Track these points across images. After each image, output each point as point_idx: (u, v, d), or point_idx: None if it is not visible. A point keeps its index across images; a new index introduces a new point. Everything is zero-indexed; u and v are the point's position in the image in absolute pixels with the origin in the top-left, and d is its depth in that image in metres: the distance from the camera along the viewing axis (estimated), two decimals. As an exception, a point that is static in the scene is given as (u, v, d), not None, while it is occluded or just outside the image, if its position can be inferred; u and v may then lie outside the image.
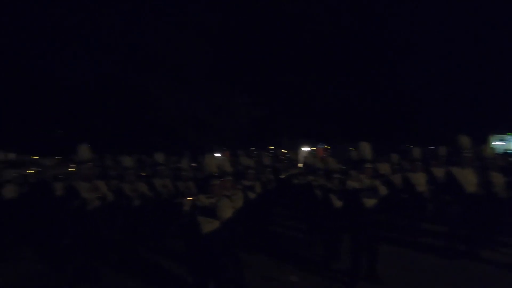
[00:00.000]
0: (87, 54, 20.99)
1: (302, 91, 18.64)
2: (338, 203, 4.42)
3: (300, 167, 8.37)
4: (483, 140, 7.00)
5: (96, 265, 4.12)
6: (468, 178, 4.41)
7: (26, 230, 5.22)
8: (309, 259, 4.92)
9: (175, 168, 6.47)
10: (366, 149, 3.95)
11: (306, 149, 14.95)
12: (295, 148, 16.57)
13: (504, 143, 13.99)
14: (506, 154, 8.74)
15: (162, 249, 5.28)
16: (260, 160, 7.08)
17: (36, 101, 19.60)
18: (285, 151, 10.75)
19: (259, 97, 17.20)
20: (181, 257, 4.90)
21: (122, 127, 18.27)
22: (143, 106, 16.66)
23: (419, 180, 5.67)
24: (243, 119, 17.08)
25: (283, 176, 7.37)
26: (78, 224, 3.89)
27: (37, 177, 5.54)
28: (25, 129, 19.02)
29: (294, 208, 7.32)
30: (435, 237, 5.36)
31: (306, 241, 5.54)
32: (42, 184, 5.30)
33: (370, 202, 3.80)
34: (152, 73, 16.11)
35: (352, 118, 19.31)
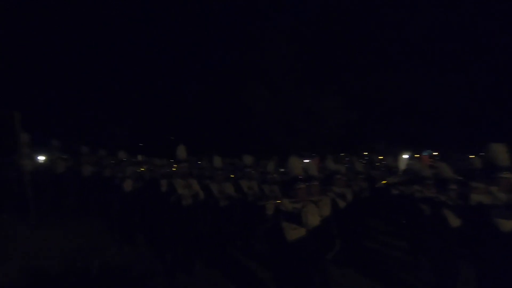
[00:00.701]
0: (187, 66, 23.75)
1: (401, 92, 16.63)
2: (455, 222, 3.53)
3: (400, 176, 7.27)
4: None
5: (190, 257, 4.44)
6: None
7: (140, 219, 6.11)
8: (410, 284, 4.13)
9: (262, 171, 6.53)
10: (500, 153, 3.00)
11: (407, 156, 13.06)
12: (394, 155, 14.66)
13: None
14: None
15: (249, 250, 5.35)
16: (351, 166, 6.46)
17: (154, 113, 23.42)
18: (382, 157, 9.58)
19: (351, 100, 16.14)
20: (265, 261, 4.86)
21: (220, 132, 19.92)
22: (238, 113, 17.73)
23: None
24: (334, 123, 16.30)
25: (380, 185, 6.50)
26: (175, 217, 4.27)
27: (150, 175, 6.45)
28: (148, 137, 22.81)
29: (393, 223, 6.37)
30: None
31: (408, 263, 4.70)
32: (153, 181, 6.12)
33: (506, 224, 2.86)
34: (244, 81, 17.01)
35: (463, 121, 16.03)
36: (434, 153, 14.95)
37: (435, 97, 16.61)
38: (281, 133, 16.73)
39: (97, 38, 20.73)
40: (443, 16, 16.91)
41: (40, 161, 6.79)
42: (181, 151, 4.35)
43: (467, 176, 5.28)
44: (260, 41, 17.02)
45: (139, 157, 7.57)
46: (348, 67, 17.39)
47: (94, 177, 7.06)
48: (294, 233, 2.79)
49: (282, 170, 7.43)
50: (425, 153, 13.98)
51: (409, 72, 16.72)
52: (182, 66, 23.92)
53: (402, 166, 11.32)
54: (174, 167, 5.37)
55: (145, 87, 23.03)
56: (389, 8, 17.22)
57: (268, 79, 16.73)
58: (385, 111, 17.50)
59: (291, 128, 16.70)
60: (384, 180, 6.47)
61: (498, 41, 16.69)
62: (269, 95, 16.51)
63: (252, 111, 16.69)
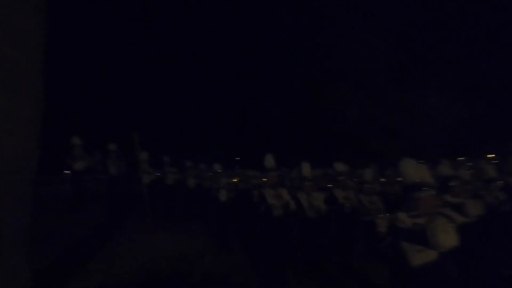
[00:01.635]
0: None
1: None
2: None
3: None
4: None
5: (283, 271, 4.24)
6: None
7: (236, 229, 6.31)
8: None
9: (358, 180, 5.90)
10: None
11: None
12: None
13: None
14: None
15: (346, 268, 4.80)
16: (479, 171, 5.13)
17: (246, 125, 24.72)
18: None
19: (464, 92, 13.39)
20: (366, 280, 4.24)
21: (310, 139, 19.45)
22: (328, 118, 17.01)
23: None
24: (441, 122, 13.81)
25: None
26: (267, 228, 4.18)
27: (242, 185, 6.67)
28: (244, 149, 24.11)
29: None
30: None
31: None
32: (245, 191, 6.29)
33: None
34: (334, 84, 16.29)
35: None
36: None
37: None
38: (378, 137, 15.15)
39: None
40: None
41: (154, 174, 7.89)
42: (269, 160, 4.28)
43: None
44: (351, 41, 16.11)
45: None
46: (457, 53, 14.59)
47: (196, 188, 7.79)
48: (420, 256, 2.21)
49: (383, 179, 6.58)
50: None
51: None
52: (272, 71, 24.35)
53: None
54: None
55: (238, 99, 24.47)
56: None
57: (360, 80, 15.56)
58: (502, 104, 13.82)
59: (389, 131, 14.95)
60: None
61: None
62: (362, 96, 15.30)
63: (343, 114, 15.75)
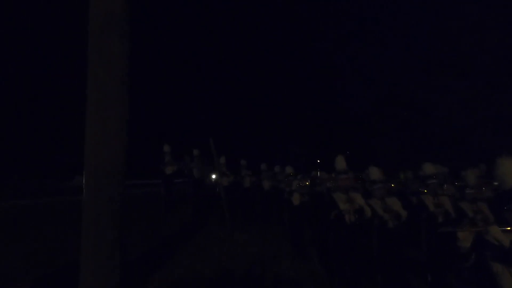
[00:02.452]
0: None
1: None
2: None
3: None
4: None
5: (359, 281, 3.86)
6: None
7: (311, 234, 6.08)
8: None
9: (459, 184, 4.93)
10: None
11: None
12: None
13: None
14: None
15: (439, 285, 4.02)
16: None
17: (324, 128, 24.06)
18: None
19: None
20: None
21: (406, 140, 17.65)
22: (427, 118, 15.07)
23: None
24: None
25: None
26: (340, 235, 3.86)
27: (315, 189, 6.40)
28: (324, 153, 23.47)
29: None
30: None
31: None
32: (318, 195, 6.01)
33: None
34: (438, 81, 14.34)
35: None
36: None
37: None
38: (483, 132, 12.53)
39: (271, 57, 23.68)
40: None
41: (231, 178, 8.32)
42: (340, 162, 3.95)
43: None
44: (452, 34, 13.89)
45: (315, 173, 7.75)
46: None
47: (271, 191, 7.86)
48: None
49: (496, 183, 5.34)
50: None
51: None
52: (358, 75, 23.15)
53: None
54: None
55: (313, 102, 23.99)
56: None
57: (462, 72, 13.21)
58: None
59: (497, 124, 12.18)
60: None
61: None
62: (469, 87, 12.93)
63: (445, 108, 13.60)
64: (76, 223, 3.12)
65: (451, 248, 1.95)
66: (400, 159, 14.28)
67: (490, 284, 1.79)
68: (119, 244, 2.76)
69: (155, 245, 5.77)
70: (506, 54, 12.35)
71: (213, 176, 7.64)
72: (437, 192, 4.21)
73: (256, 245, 6.05)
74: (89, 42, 2.85)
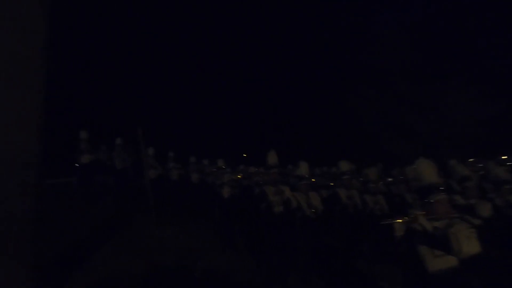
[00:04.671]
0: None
1: None
2: None
3: None
4: None
5: (286, 269, 4.20)
6: None
7: (240, 226, 6.29)
8: None
9: (364, 180, 5.79)
10: None
11: None
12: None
13: None
14: None
15: (351, 267, 4.72)
16: (488, 173, 4.94)
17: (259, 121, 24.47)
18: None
19: (487, 91, 12.90)
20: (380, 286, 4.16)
21: (324, 137, 19.24)
22: (343, 116, 16.77)
23: None
24: (460, 122, 13.41)
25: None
26: (268, 225, 4.14)
27: (245, 182, 6.63)
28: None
29: None
30: None
31: None
32: (248, 188, 6.25)
33: None
34: (353, 82, 16.06)
35: None
36: None
37: None
38: (393, 136, 14.84)
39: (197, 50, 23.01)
40: None
41: (159, 169, 7.94)
42: (272, 157, 4.22)
43: None
44: (369, 38, 15.85)
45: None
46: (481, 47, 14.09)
47: (200, 184, 7.79)
48: (438, 262, 2.12)
49: (390, 179, 6.44)
50: None
51: None
52: (278, 67, 24.06)
53: None
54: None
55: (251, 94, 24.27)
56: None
57: (374, 78, 15.25)
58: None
59: (405, 130, 14.64)
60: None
61: None
62: (379, 94, 14.97)
63: (358, 113, 15.50)
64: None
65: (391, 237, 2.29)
66: (318, 155, 15.81)
67: (418, 264, 2.17)
68: (31, 241, 2.41)
69: (73, 242, 5.16)
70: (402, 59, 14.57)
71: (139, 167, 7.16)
72: (349, 186, 4.90)
73: (185, 238, 5.97)
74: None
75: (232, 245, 5.71)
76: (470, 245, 2.01)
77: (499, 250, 3.85)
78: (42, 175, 2.61)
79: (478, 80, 13.00)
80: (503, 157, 12.72)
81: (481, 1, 14.61)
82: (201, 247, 5.65)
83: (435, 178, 2.31)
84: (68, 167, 7.93)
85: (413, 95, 14.22)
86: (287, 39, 23.02)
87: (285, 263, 4.14)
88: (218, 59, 23.88)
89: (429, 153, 13.67)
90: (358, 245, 4.86)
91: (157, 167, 7.93)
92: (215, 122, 22.94)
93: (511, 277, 3.94)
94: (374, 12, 17.61)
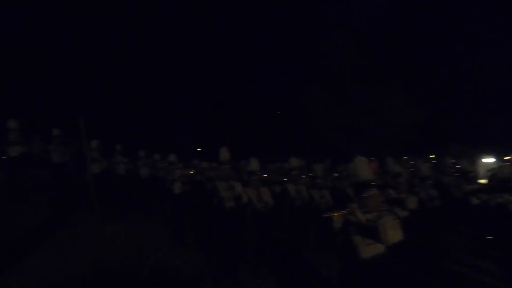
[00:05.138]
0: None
1: (481, 84, 14.38)
2: None
3: (481, 183, 6.12)
4: None
5: (236, 263, 4.26)
6: None
7: (190, 221, 6.19)
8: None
9: (312, 175, 6.10)
10: None
11: (489, 160, 11.15)
12: (472, 159, 12.60)
13: None
14: None
15: (299, 259, 4.97)
16: (416, 170, 5.59)
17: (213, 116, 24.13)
18: (454, 161, 8.24)
19: (419, 96, 14.43)
20: (318, 272, 4.43)
21: (276, 134, 19.69)
22: (292, 113, 17.34)
23: None
24: (400, 123, 14.81)
25: (457, 194, 5.50)
26: (219, 220, 4.15)
27: (197, 177, 6.52)
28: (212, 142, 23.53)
29: (477, 240, 5.29)
30: None
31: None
32: (199, 183, 6.16)
33: None
34: (301, 79, 16.65)
35: None
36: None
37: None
38: (341, 135, 15.83)
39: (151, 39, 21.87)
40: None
41: (104, 164, 7.41)
42: (224, 153, 4.23)
43: None
44: (320, 40, 16.51)
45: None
46: (417, 60, 15.69)
47: (150, 179, 7.47)
48: (369, 249, 2.36)
49: (336, 174, 6.89)
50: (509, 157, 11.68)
51: (492, 60, 14.41)
52: (239, 66, 24.06)
53: (481, 171, 9.65)
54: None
55: (203, 90, 23.83)
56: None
57: (327, 78, 16.04)
58: (462, 107, 15.35)
59: (351, 129, 15.70)
60: (461, 188, 5.47)
61: None
62: (327, 94, 15.80)
63: (309, 111, 16.16)
64: None
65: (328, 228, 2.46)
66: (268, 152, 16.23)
67: (353, 252, 2.40)
68: None
69: (7, 242, 4.67)
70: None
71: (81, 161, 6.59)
72: (298, 182, 5.14)
73: (132, 235, 5.73)
74: None
75: (182, 241, 5.60)
76: (394, 234, 2.29)
77: (422, 237, 4.41)
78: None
79: (411, 86, 14.50)
80: (431, 156, 14.53)
81: (422, 14, 16.21)
82: (150, 244, 5.47)
83: (369, 175, 2.55)
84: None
85: (358, 96, 15.31)
86: (241, 36, 23.13)
87: (235, 257, 4.20)
88: (168, 47, 22.87)
89: (372, 151, 15.01)
90: (304, 237, 5.13)
91: (102, 161, 7.39)
92: (169, 115, 22.07)
93: (432, 260, 4.55)
94: (325, 17, 18.51)
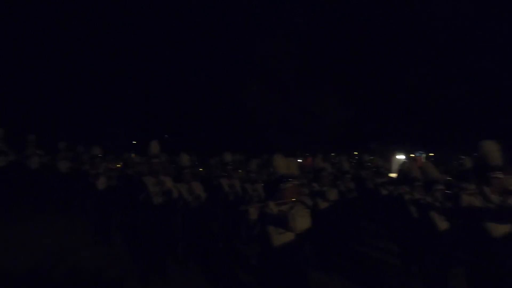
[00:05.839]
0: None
1: (398, 91, 16.57)
2: (443, 225, 3.29)
3: (391, 177, 7.05)
4: None
5: (164, 260, 4.15)
6: None
7: (115, 219, 5.79)
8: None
9: (248, 170, 6.26)
10: (492, 151, 2.74)
11: (401, 157, 12.91)
12: (388, 155, 14.55)
13: None
14: None
15: (231, 253, 5.07)
16: (339, 165, 6.19)
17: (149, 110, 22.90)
18: (372, 157, 9.35)
19: (349, 98, 15.92)
20: (248, 265, 4.59)
21: (215, 130, 19.61)
22: (232, 108, 17.47)
23: None
24: (331, 122, 16.11)
25: (369, 186, 6.26)
26: (147, 217, 3.98)
27: (123, 172, 6.13)
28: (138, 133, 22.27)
29: (383, 225, 6.12)
30: None
31: (398, 268, 4.46)
32: (126, 178, 5.81)
33: (498, 228, 2.60)
34: (242, 77, 16.84)
35: (463, 122, 15.97)
36: (430, 154, 14.83)
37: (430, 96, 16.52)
38: (278, 132, 16.53)
39: (89, 33, 19.84)
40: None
41: (11, 156, 6.42)
42: (154, 147, 4.05)
43: (458, 177, 5.07)
44: (261, 39, 16.86)
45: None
46: (347, 67, 17.24)
47: (71, 174, 6.74)
48: (280, 237, 2.53)
49: (272, 169, 7.18)
50: (418, 154, 13.85)
51: (409, 70, 16.65)
52: (179, 62, 23.38)
53: (395, 167, 11.12)
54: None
55: (140, 84, 22.50)
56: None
57: (267, 77, 16.52)
58: (382, 110, 17.40)
59: (288, 127, 16.51)
60: (374, 181, 6.26)
61: (498, 41, 16.62)
62: (267, 92, 16.31)
63: (248, 108, 16.49)
64: None
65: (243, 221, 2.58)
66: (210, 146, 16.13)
67: (267, 241, 2.56)
68: None
69: None
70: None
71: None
72: (232, 176, 5.23)
73: (48, 236, 5.18)
74: None
75: (106, 240, 5.22)
76: (303, 222, 2.51)
77: (341, 224, 4.93)
78: None
79: (341, 89, 15.92)
80: (355, 152, 16.27)
81: (355, 23, 17.86)
82: (69, 244, 5.03)
83: (287, 170, 2.76)
84: None
85: (295, 96, 16.21)
86: (183, 29, 22.44)
87: (163, 254, 4.09)
88: (98, 34, 20.86)
89: (306, 147, 16.11)
90: (236, 229, 5.26)
91: (9, 153, 6.40)
92: (97, 103, 20.11)
93: (346, 244, 5.11)
94: (267, 19, 19.10)
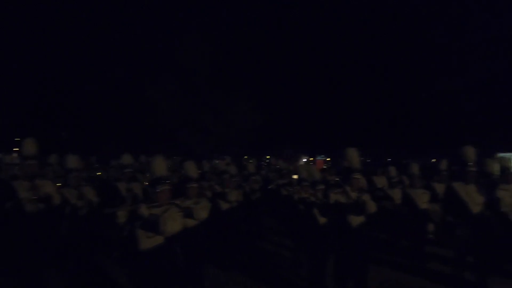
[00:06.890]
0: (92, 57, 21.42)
1: (305, 99, 18.48)
2: (321, 220, 3.81)
3: (293, 178, 7.75)
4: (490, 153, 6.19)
5: (40, 269, 3.61)
6: (473, 196, 3.73)
7: None
8: (292, 281, 4.32)
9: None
10: (353, 156, 3.34)
11: (305, 160, 14.38)
12: (296, 159, 16.03)
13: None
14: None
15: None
16: (244, 168, 6.51)
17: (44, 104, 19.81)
18: (280, 161, 10.13)
19: (261, 104, 16.76)
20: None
21: (123, 129, 18.16)
22: (142, 109, 16.38)
23: (420, 196, 4.98)
24: (242, 126, 16.62)
25: (271, 187, 6.76)
26: (18, 226, 3.38)
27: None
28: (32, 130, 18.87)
29: (281, 223, 6.69)
30: (439, 263, 4.70)
31: (291, 260, 4.93)
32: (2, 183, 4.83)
33: (356, 219, 3.19)
34: (153, 77, 15.97)
35: (354, 128, 18.86)
36: (327, 159, 16.95)
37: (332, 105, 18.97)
38: (188, 132, 16.17)
39: None
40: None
41: None
42: (30, 146, 3.47)
43: (340, 178, 5.93)
44: (174, 36, 16.34)
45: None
46: (258, 72, 18.21)
47: None
48: (149, 241, 2.46)
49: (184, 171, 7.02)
50: (319, 158, 15.68)
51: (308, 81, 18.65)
52: (86, 56, 21.31)
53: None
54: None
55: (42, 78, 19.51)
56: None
57: (178, 74, 16.06)
58: (291, 117, 19.00)
59: (199, 128, 16.32)
60: (276, 182, 6.78)
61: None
62: (178, 91, 15.81)
63: (158, 106, 15.67)
64: None
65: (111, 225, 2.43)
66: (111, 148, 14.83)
67: (135, 245, 2.44)
68: None
69: None
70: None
71: None
72: (131, 179, 4.92)
73: None
74: None
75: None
76: (173, 225, 2.54)
77: (244, 223, 5.16)
78: None
79: (255, 94, 16.73)
80: (267, 156, 17.28)
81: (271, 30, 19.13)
82: None
83: (163, 172, 2.76)
84: None
85: (209, 98, 16.24)
86: (97, 26, 20.53)
87: (40, 264, 3.56)
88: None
89: (219, 150, 16.32)
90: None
91: None
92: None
93: (247, 241, 5.36)
94: (182, 19, 18.93)
